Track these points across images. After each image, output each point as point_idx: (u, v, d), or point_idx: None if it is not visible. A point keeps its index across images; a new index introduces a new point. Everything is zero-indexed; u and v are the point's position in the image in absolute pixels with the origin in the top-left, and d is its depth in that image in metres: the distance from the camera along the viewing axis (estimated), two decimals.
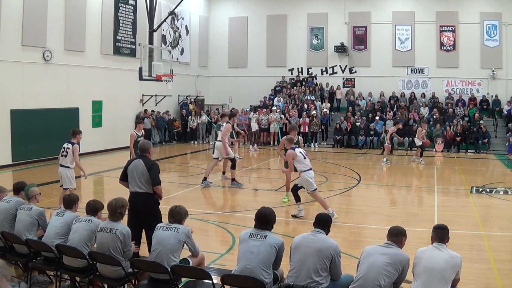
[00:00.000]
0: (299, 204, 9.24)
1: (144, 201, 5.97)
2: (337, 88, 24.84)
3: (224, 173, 13.15)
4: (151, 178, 5.95)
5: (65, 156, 8.81)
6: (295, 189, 9.23)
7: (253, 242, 4.60)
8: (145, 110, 21.43)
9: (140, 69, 17.14)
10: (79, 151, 9.17)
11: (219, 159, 12.71)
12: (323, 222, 4.77)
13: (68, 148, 8.82)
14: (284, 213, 9.94)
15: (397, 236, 4.47)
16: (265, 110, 22.78)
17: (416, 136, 17.19)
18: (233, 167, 12.27)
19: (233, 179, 12.30)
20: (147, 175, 5.95)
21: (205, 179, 12.20)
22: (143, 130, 11.98)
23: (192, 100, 25.02)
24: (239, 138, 17.25)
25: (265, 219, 4.73)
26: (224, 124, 12.48)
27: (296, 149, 9.07)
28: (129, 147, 11.73)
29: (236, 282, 4.48)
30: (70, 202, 5.78)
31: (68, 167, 8.82)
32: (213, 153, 12.86)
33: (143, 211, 5.96)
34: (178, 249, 4.94)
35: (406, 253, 4.38)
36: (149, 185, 5.97)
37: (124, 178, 6.19)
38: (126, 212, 5.40)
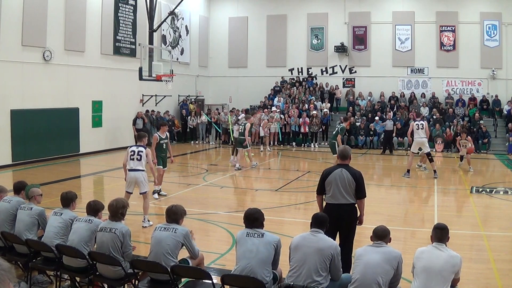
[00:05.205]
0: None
1: (348, 212, 5.72)
2: (336, 88, 24.84)
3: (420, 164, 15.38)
4: (358, 190, 5.70)
5: (139, 159, 8.43)
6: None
7: (251, 241, 4.62)
8: (146, 111, 21.41)
9: (140, 69, 17.14)
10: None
11: (418, 153, 14.47)
12: (321, 222, 4.78)
13: (141, 151, 8.46)
14: (282, 213, 9.96)
15: (385, 237, 4.53)
16: (266, 110, 22.79)
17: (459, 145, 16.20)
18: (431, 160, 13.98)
19: (434, 171, 13.93)
20: (354, 185, 5.67)
21: (408, 171, 13.99)
22: (167, 133, 10.94)
23: (192, 100, 25.01)
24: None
25: (252, 217, 4.78)
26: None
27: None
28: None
29: (236, 282, 4.48)
30: (68, 200, 5.72)
31: (144, 170, 8.50)
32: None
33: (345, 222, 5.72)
34: (176, 250, 4.92)
35: (397, 250, 4.44)
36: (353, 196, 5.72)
37: (321, 191, 5.88)
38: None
